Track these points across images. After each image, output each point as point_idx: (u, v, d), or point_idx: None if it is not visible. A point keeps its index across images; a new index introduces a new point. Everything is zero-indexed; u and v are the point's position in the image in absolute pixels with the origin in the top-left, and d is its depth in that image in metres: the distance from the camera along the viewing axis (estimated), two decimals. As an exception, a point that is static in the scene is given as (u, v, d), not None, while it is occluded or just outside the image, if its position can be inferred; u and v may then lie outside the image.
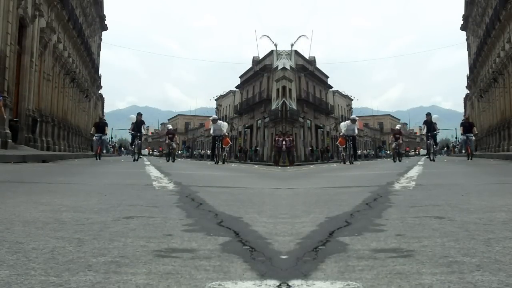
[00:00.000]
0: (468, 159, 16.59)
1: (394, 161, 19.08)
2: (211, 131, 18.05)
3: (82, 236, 1.68)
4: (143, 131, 17.92)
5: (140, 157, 17.70)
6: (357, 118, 19.92)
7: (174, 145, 21.64)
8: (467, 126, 18.76)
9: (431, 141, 17.19)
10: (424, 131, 17.76)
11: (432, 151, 17.03)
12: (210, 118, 19.46)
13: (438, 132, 17.67)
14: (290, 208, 2.71)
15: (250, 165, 22.63)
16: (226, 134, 18.18)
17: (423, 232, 1.76)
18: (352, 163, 16.80)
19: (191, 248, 1.48)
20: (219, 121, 18.64)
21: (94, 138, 18.49)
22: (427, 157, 17.74)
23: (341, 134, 18.54)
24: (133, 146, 17.83)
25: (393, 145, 21.50)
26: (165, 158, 22.83)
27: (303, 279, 1.14)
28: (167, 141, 21.98)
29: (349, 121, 18.66)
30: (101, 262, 1.29)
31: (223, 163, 17.83)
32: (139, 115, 18.07)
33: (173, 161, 19.45)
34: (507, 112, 29.64)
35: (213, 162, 17.13)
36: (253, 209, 2.53)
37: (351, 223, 2.00)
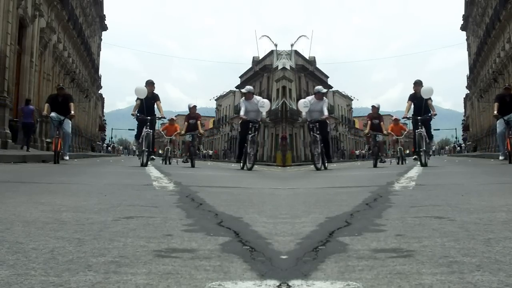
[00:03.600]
0: (510, 162, 9.96)
1: (375, 165, 11.87)
2: (242, 112, 10.54)
3: (82, 236, 1.68)
4: (158, 114, 10.69)
5: (153, 159, 10.89)
6: (325, 91, 11.83)
7: (200, 135, 13.08)
8: (507, 102, 10.59)
9: (421, 131, 10.00)
10: (410, 114, 10.50)
11: (424, 148, 9.88)
12: (243, 90, 11.24)
13: (435, 116, 10.29)
14: (290, 208, 2.71)
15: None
16: (265, 116, 10.78)
17: (423, 232, 1.76)
18: (326, 168, 10.30)
19: (191, 248, 1.48)
20: (256, 97, 10.86)
21: (51, 117, 10.94)
22: (415, 158, 10.92)
23: (303, 117, 10.87)
24: (140, 141, 10.22)
25: (370, 139, 13.17)
26: (182, 160, 14.47)
27: (303, 279, 1.14)
28: (184, 134, 13.10)
29: (313, 96, 10.80)
30: (101, 262, 1.28)
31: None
32: (150, 84, 10.69)
33: (192, 165, 11.63)
34: (507, 112, 29.59)
35: (239, 167, 10.41)
36: (253, 209, 2.53)
37: (351, 223, 2.00)
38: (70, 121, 11.20)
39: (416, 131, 10.15)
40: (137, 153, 11.61)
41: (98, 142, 50.37)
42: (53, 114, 10.90)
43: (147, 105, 10.41)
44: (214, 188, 4.28)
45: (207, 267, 1.24)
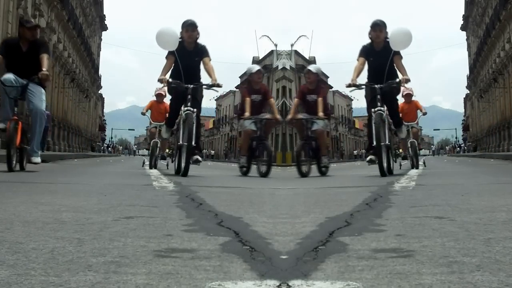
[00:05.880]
0: None
1: (302, 174, 7.10)
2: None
3: (82, 236, 1.68)
4: (212, 79, 6.21)
5: (198, 161, 6.37)
6: None
7: (276, 120, 7.74)
8: None
9: (382, 110, 5.97)
10: (360, 80, 6.24)
11: (386, 141, 6.00)
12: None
13: (407, 83, 6.20)
14: (290, 208, 2.71)
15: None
16: None
17: (423, 232, 1.76)
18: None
19: (191, 248, 1.48)
20: None
21: (2, 80, 5.91)
22: (369, 161, 6.36)
23: None
24: (174, 129, 6.79)
25: (303, 129, 7.30)
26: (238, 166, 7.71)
27: (303, 279, 1.13)
28: (244, 117, 7.25)
29: None
30: (101, 262, 1.28)
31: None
32: (191, 28, 6.15)
33: (264, 174, 6.88)
34: (507, 112, 29.65)
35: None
36: (253, 209, 2.53)
37: (351, 223, 2.00)
38: (41, 89, 6.11)
39: (373, 110, 5.90)
40: (168, 152, 7.40)
41: (98, 142, 50.37)
42: (8, 75, 5.95)
43: (186, 65, 6.11)
44: (214, 188, 4.28)
45: (207, 267, 1.24)
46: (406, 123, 8.68)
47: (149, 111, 9.62)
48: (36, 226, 1.87)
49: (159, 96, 9.58)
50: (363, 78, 6.25)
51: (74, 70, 33.28)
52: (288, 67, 40.92)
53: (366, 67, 6.28)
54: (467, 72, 50.07)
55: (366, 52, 6.25)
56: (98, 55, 49.30)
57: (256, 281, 1.12)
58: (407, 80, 6.11)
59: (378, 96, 5.99)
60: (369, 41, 6.29)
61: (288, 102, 39.28)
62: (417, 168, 8.35)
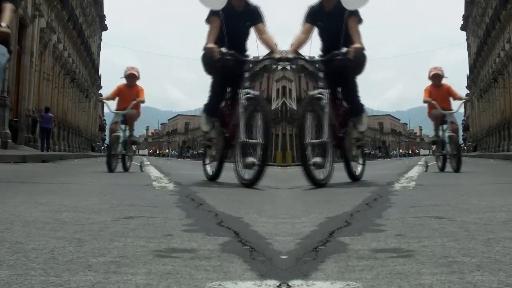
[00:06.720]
0: None
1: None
2: None
3: (82, 236, 1.68)
4: (275, 53, 4.80)
5: (255, 164, 4.26)
6: None
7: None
8: None
9: (320, 94, 4.26)
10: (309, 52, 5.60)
11: (325, 137, 4.20)
12: None
13: (356, 52, 4.35)
14: (290, 208, 2.72)
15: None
16: None
17: (423, 232, 1.76)
18: None
19: (191, 248, 1.48)
20: None
21: None
22: (312, 165, 4.14)
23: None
24: (214, 118, 4.84)
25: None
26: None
27: (303, 279, 1.13)
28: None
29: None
30: (101, 262, 1.28)
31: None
32: None
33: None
34: (507, 112, 29.66)
35: None
36: (253, 209, 2.53)
37: (351, 223, 2.00)
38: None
39: (310, 94, 4.77)
40: (201, 149, 4.07)
41: (98, 142, 50.36)
42: None
43: (232, 30, 4.75)
44: (214, 188, 4.28)
45: (207, 267, 1.24)
46: (442, 111, 7.05)
47: (117, 98, 7.35)
48: (36, 226, 1.87)
49: (131, 78, 7.29)
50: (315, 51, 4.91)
51: (74, 70, 33.30)
52: (288, 67, 40.92)
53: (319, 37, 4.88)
54: (467, 72, 50.09)
55: (313, 15, 4.76)
56: (98, 55, 49.30)
57: (256, 281, 1.12)
58: (359, 49, 4.46)
59: (320, 74, 4.54)
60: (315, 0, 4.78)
61: (288, 102, 39.30)
62: (457, 171, 6.61)
